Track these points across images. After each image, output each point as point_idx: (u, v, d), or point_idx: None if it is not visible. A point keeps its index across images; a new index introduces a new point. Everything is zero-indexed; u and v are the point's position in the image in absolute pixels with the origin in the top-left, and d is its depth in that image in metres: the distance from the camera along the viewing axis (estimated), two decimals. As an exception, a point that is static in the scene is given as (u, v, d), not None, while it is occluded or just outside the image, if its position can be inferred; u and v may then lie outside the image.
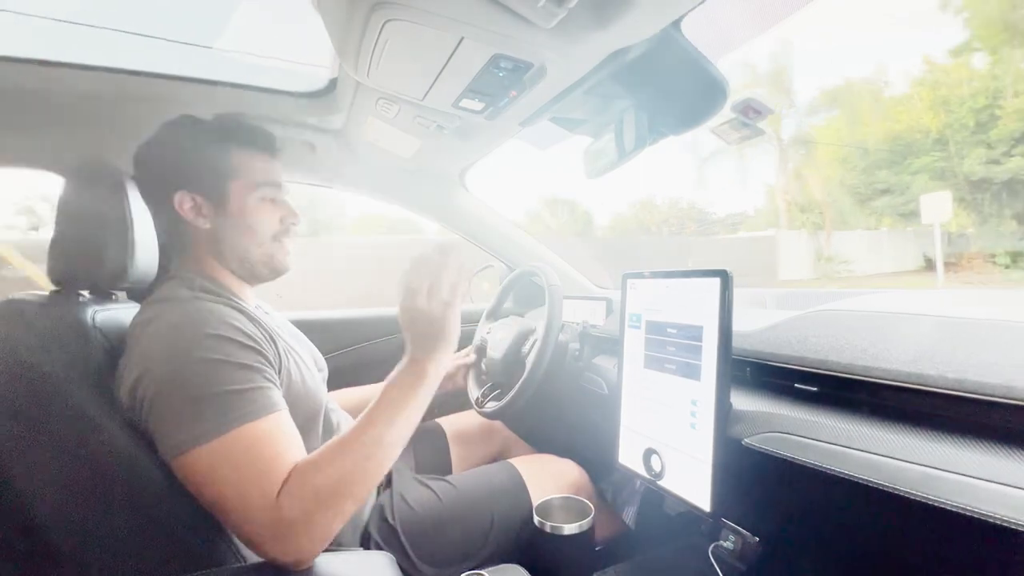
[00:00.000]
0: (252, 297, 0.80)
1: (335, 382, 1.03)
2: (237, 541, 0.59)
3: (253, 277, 0.78)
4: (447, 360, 0.66)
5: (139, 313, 0.64)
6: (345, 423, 0.87)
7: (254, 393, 0.58)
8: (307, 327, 0.98)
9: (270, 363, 0.63)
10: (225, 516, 0.54)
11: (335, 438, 0.59)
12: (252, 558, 0.59)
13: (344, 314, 1.49)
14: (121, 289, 0.75)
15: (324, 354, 0.93)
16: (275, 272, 0.78)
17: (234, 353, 0.59)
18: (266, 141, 0.77)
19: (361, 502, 0.57)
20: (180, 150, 0.72)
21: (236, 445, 0.54)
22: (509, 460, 0.99)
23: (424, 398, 0.63)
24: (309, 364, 0.79)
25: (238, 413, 0.55)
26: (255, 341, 0.62)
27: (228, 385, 0.56)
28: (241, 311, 0.66)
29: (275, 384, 0.62)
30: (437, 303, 0.64)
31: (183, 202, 0.70)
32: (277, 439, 0.57)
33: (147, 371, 0.57)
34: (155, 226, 0.73)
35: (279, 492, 0.53)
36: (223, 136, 0.73)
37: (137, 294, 0.76)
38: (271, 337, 0.67)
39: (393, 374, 0.65)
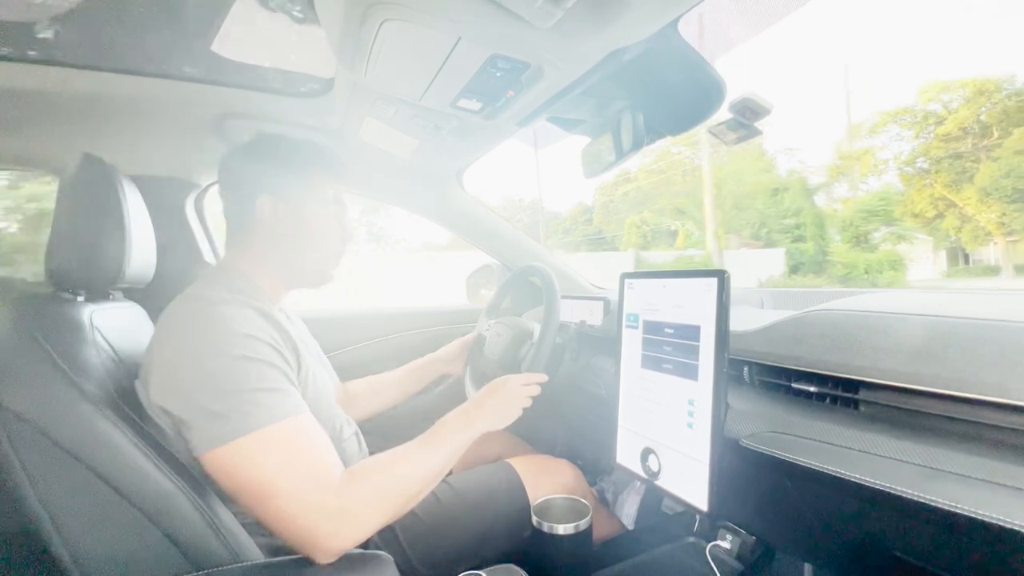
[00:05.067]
0: (284, 301, 0.84)
1: (339, 375, 1.06)
2: (234, 542, 0.59)
3: (299, 283, 0.83)
4: (485, 430, 0.78)
5: (174, 307, 0.66)
6: (347, 427, 0.87)
7: (286, 394, 0.62)
8: (314, 323, 0.99)
9: (292, 369, 0.67)
10: (268, 503, 0.57)
11: (392, 450, 0.68)
12: (251, 559, 0.59)
13: (349, 312, 1.50)
14: (117, 289, 0.75)
15: (330, 350, 0.96)
16: (322, 282, 0.84)
17: (268, 355, 0.63)
18: (340, 166, 0.84)
19: (401, 511, 0.65)
20: (269, 160, 0.78)
21: (280, 437, 0.58)
22: (506, 460, 0.99)
23: (463, 443, 0.75)
24: (320, 369, 0.81)
25: (276, 409, 0.59)
26: (282, 347, 0.66)
27: (265, 383, 0.60)
28: (270, 318, 0.67)
29: (297, 388, 0.66)
30: (522, 397, 0.84)
31: (264, 205, 0.75)
32: (314, 435, 0.63)
33: (182, 365, 0.59)
34: (228, 223, 0.79)
35: (341, 480, 0.60)
36: (308, 154, 0.81)
37: (133, 294, 0.76)
38: (294, 346, 0.69)
39: (449, 417, 0.78)
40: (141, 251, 0.70)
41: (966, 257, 16.74)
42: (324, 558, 0.57)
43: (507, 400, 0.83)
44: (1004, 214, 13.36)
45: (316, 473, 0.59)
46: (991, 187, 13.41)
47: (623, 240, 18.37)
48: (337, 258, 0.84)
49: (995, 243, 14.65)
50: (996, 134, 13.80)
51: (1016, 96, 13.68)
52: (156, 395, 0.59)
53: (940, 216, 15.27)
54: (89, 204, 0.65)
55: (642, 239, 17.53)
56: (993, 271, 14.86)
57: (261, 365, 0.61)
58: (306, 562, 0.58)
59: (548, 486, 0.93)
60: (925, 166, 15.25)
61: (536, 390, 0.88)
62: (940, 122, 14.75)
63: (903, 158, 15.62)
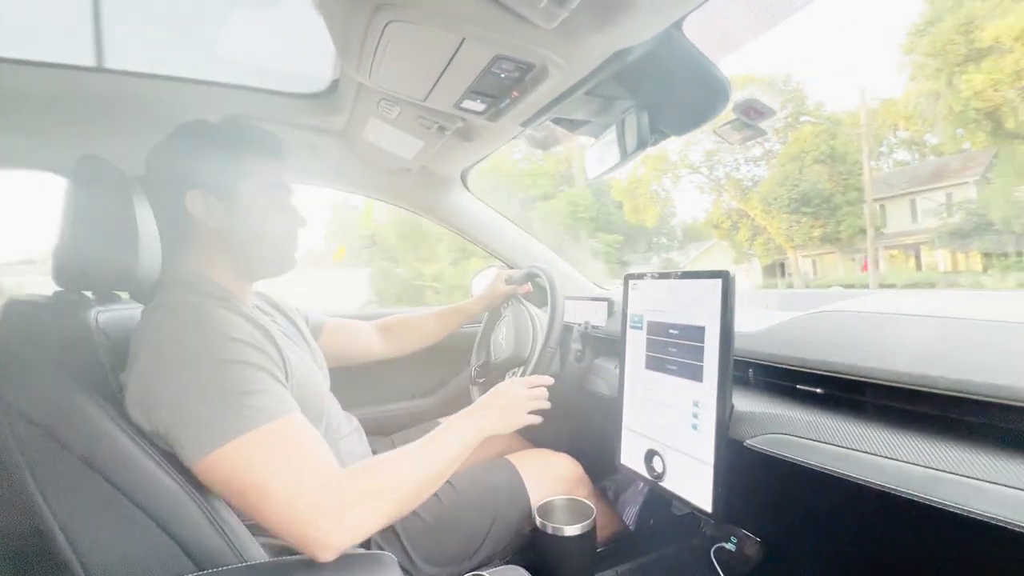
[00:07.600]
0: (252, 296, 0.81)
1: (348, 379, 1.08)
2: (238, 543, 0.59)
3: (257, 275, 0.79)
4: (491, 433, 0.79)
5: (144, 319, 0.64)
6: (346, 424, 0.87)
7: (273, 394, 0.60)
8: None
9: (277, 366, 0.65)
10: (265, 504, 0.56)
11: (395, 450, 0.68)
12: (255, 559, 0.59)
13: (353, 314, 1.50)
14: (124, 290, 0.75)
15: None
16: (279, 271, 0.79)
17: (252, 356, 0.61)
18: (275, 145, 0.78)
19: (403, 511, 0.64)
20: (193, 152, 0.73)
21: (270, 438, 0.57)
22: (507, 458, 0.99)
23: (467, 446, 0.74)
24: (309, 363, 0.79)
25: (264, 411, 0.58)
26: (263, 344, 0.64)
27: (250, 385, 0.59)
28: (243, 315, 0.66)
29: (285, 386, 0.65)
30: (527, 401, 0.84)
31: (194, 201, 0.71)
32: (306, 433, 0.61)
33: (165, 376, 0.57)
34: (160, 225, 0.73)
35: (342, 477, 0.59)
36: (236, 139, 0.75)
37: (140, 295, 0.76)
38: (273, 340, 0.67)
39: (455, 418, 0.78)
40: (148, 252, 0.70)
41: (782, 269, 16.08)
42: (325, 555, 0.56)
43: (512, 404, 0.82)
44: (790, 226, 13.12)
45: (312, 470, 0.58)
46: (770, 196, 13.17)
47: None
48: (290, 243, 0.79)
49: (789, 257, 14.33)
50: (775, 138, 13.69)
51: (791, 97, 13.46)
52: (141, 418, 0.57)
53: (735, 227, 14.76)
54: (98, 206, 0.66)
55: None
56: (788, 285, 14.43)
57: (244, 367, 0.59)
58: (310, 562, 0.57)
59: (550, 482, 0.93)
60: (720, 174, 14.87)
61: (544, 393, 0.87)
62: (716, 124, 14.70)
63: (688, 162, 15.08)
